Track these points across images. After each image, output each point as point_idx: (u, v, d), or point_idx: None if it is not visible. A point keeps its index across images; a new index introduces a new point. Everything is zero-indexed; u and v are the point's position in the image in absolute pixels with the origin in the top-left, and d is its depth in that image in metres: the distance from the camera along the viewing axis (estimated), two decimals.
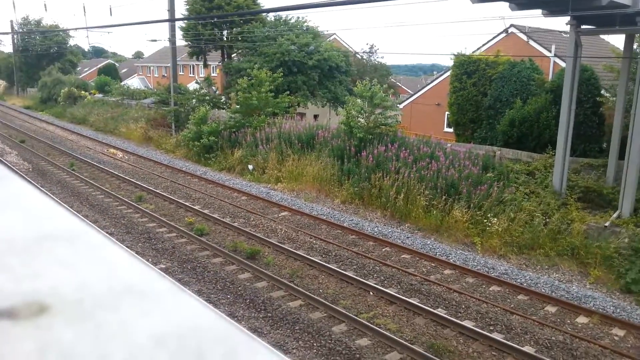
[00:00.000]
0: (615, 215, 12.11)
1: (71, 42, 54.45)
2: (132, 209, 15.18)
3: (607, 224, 11.70)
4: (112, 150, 24.59)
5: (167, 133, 26.14)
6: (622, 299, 10.25)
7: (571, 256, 11.47)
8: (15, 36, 52.94)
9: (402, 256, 12.02)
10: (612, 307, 9.75)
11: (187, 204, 15.63)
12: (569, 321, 9.24)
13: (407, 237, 13.14)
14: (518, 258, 11.92)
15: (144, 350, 0.41)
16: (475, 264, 11.53)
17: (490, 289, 10.42)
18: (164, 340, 0.42)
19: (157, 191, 16.99)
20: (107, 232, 12.93)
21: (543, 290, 10.30)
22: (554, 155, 13.74)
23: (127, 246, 12.24)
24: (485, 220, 12.76)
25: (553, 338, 8.58)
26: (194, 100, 26.06)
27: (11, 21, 52.96)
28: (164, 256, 11.90)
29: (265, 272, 10.69)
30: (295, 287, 10.07)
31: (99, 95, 39.69)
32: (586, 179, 13.72)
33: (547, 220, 12.29)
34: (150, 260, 11.56)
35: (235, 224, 13.81)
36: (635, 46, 15.36)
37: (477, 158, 15.03)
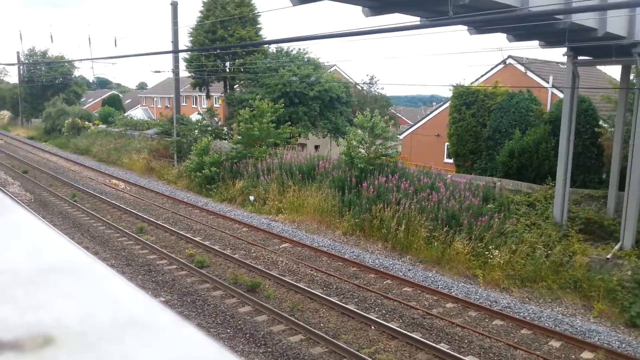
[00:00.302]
0: (617, 247, 12.06)
1: (76, 73, 55.22)
2: (133, 241, 15.16)
3: (609, 256, 11.64)
4: (114, 181, 24.69)
5: (169, 164, 26.27)
6: (627, 333, 10.13)
7: (574, 289, 11.38)
8: (21, 67, 53.74)
9: (404, 289, 11.93)
10: (617, 342, 9.62)
11: (188, 235, 15.61)
12: (573, 356, 9.11)
13: (409, 270, 13.06)
14: (521, 291, 11.82)
15: None
16: (478, 297, 11.43)
17: (493, 323, 10.31)
18: None
19: (158, 222, 16.99)
20: (107, 264, 12.88)
21: (546, 325, 10.19)
22: (554, 186, 13.77)
23: (126, 279, 12.16)
24: (486, 252, 12.71)
25: None
26: (196, 131, 26.29)
27: (17, 52, 53.84)
28: (164, 289, 11.83)
29: (265, 306, 10.60)
30: (296, 321, 9.97)
31: (102, 126, 40.06)
32: (587, 210, 13.70)
33: (549, 252, 12.23)
34: (150, 293, 11.49)
35: (236, 256, 13.76)
36: (631, 77, 15.55)
37: (478, 189, 15.05)
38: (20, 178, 25.16)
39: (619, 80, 15.15)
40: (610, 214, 13.48)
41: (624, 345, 9.51)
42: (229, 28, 29.74)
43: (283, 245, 15.04)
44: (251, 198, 19.57)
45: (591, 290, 11.11)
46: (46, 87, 51.96)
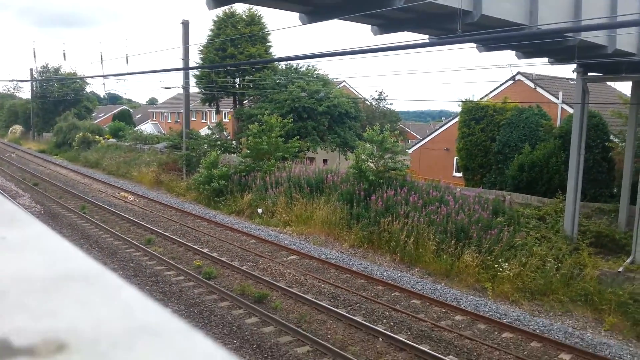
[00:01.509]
0: (628, 260, 11.92)
1: (88, 89, 55.96)
2: (141, 252, 15.19)
3: (620, 270, 11.51)
4: (123, 193, 24.83)
5: (178, 177, 26.42)
6: (639, 346, 9.95)
7: (585, 302, 11.22)
8: (34, 83, 54.59)
9: (412, 301, 11.82)
10: (628, 356, 9.45)
11: (195, 247, 15.62)
12: None
13: (417, 282, 12.96)
14: (530, 304, 11.67)
15: None
16: (487, 309, 11.30)
17: (503, 335, 10.17)
18: None
19: (166, 234, 17.03)
20: (116, 275, 12.89)
21: (557, 337, 10.03)
22: (565, 200, 13.68)
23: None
24: (496, 265, 12.59)
25: None
26: (205, 145, 26.47)
27: (31, 69, 54.78)
28: (171, 300, 11.81)
29: (272, 317, 10.54)
30: (303, 332, 9.90)
31: (112, 140, 40.44)
32: (598, 223, 13.59)
33: (559, 265, 12.10)
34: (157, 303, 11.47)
35: (244, 268, 13.74)
36: None
37: (487, 202, 14.96)
38: (31, 190, 25.38)
39: (630, 95, 15.13)
40: (621, 227, 13.36)
41: (635, 359, 9.34)
42: (239, 46, 30.11)
43: (291, 257, 15.00)
44: (259, 211, 19.59)
45: (602, 304, 10.95)
46: (58, 102, 52.68)
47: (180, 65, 26.21)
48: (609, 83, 23.74)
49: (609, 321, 10.59)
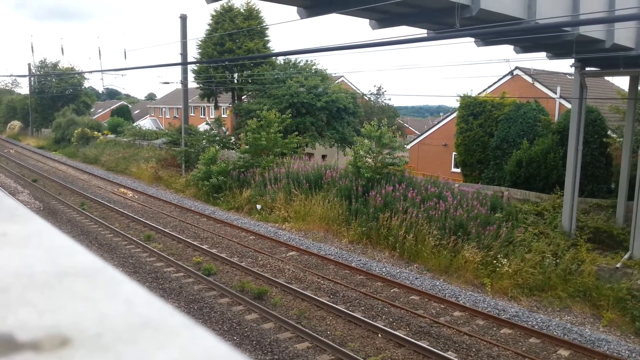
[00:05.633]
0: (626, 256, 11.97)
1: (86, 84, 55.82)
2: (141, 248, 15.21)
3: (618, 265, 11.56)
4: (122, 189, 24.83)
5: (177, 173, 26.41)
6: (637, 342, 10.01)
7: (583, 298, 11.29)
8: (32, 78, 54.41)
9: (411, 297, 11.87)
10: (627, 352, 9.51)
11: (195, 243, 15.65)
12: None
13: (416, 278, 13.01)
14: (529, 300, 11.73)
15: None
16: (486, 305, 11.35)
17: (501, 331, 10.23)
18: None
19: (165, 230, 17.05)
20: None
21: (555, 333, 10.10)
22: (562, 195, 13.72)
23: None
24: (495, 261, 12.64)
25: None
26: (204, 141, 26.44)
27: (29, 64, 54.58)
28: (171, 296, 11.85)
29: (272, 313, 10.58)
30: (303, 328, 9.94)
31: (111, 136, 40.35)
32: (596, 219, 13.63)
33: (558, 261, 12.15)
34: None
35: (243, 264, 13.77)
36: (639, 87, 15.51)
37: (485, 198, 15.00)
38: (30, 186, 25.37)
39: (627, 90, 15.14)
40: (619, 223, 13.40)
41: (634, 355, 9.41)
42: (237, 40, 30.00)
43: (290, 253, 15.04)
44: (258, 207, 19.61)
45: (600, 299, 11.01)
46: (56, 97, 52.52)
47: (179, 60, 26.13)
48: (606, 78, 23.75)
49: (607, 317, 10.65)
